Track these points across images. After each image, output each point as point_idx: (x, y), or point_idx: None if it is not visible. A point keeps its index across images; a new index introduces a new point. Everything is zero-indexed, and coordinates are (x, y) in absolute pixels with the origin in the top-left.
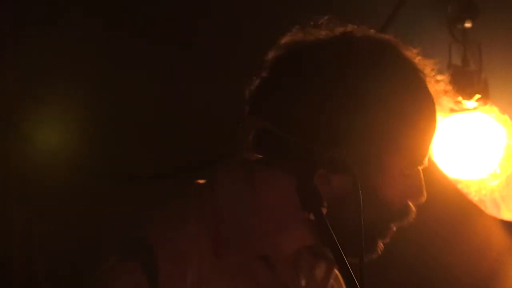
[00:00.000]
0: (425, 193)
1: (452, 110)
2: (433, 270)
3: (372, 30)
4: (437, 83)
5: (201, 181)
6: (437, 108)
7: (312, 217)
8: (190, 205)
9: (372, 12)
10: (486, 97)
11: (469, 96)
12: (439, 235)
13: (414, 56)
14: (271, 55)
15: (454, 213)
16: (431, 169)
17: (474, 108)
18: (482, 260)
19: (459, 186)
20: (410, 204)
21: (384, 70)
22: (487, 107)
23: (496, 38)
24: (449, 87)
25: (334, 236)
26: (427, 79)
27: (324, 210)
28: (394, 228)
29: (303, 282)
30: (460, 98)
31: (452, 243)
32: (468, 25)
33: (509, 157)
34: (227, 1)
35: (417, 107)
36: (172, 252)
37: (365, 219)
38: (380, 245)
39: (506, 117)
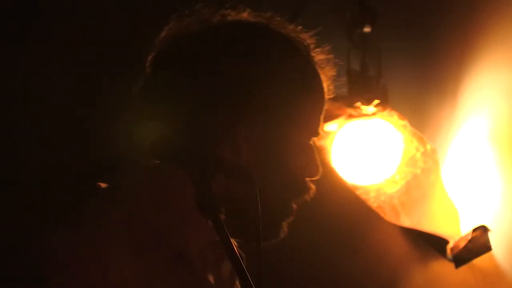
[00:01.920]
0: (321, 169)
1: (350, 116)
2: (333, 277)
3: (247, 12)
4: (320, 53)
5: (104, 185)
6: (322, 76)
7: (210, 223)
8: (101, 209)
9: None
10: (385, 102)
11: (368, 102)
12: (338, 241)
13: (293, 31)
14: (150, 54)
15: (353, 219)
16: (330, 175)
17: (373, 114)
18: (382, 266)
19: (358, 192)
20: (307, 180)
21: (259, 53)
22: (386, 112)
23: (395, 43)
24: (331, 57)
25: (232, 242)
26: (309, 50)
27: (222, 216)
28: (295, 206)
29: (210, 278)
30: (359, 104)
31: (352, 250)
32: (367, 29)
33: (408, 163)
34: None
35: (300, 78)
36: (83, 256)
37: (266, 204)
38: (284, 227)
39: (405, 122)
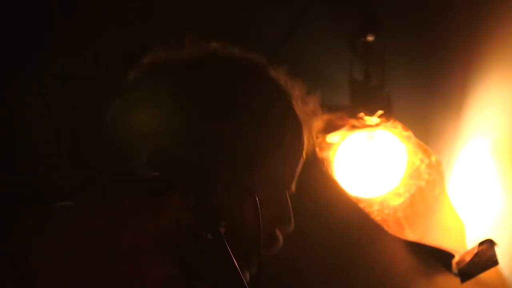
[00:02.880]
0: (293, 221)
1: (353, 127)
2: None
3: (236, 50)
4: (305, 105)
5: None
6: (304, 129)
7: (210, 236)
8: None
9: (270, 29)
10: (388, 113)
11: (371, 113)
12: (341, 255)
13: (281, 77)
14: (131, 75)
15: (356, 232)
16: (332, 187)
17: (377, 125)
18: (386, 281)
19: (361, 204)
20: (278, 232)
21: (246, 93)
22: (390, 123)
23: (399, 52)
24: (319, 108)
25: (232, 256)
26: (294, 101)
27: (222, 229)
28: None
29: None
30: (362, 114)
31: (355, 264)
32: (370, 38)
33: (412, 175)
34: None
35: (282, 129)
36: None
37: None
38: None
39: (409, 133)
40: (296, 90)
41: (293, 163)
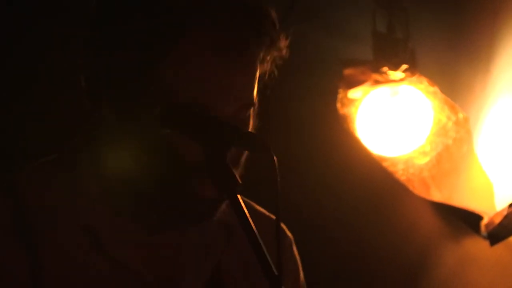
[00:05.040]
0: None
1: (376, 82)
2: (360, 253)
3: None
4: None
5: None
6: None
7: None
8: None
9: None
10: (413, 67)
11: (395, 67)
12: (364, 217)
13: None
14: None
15: (380, 193)
16: (355, 146)
17: (401, 80)
18: (411, 243)
19: (385, 164)
20: None
21: None
22: (415, 78)
23: (423, 2)
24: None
25: (248, 216)
26: None
27: (238, 189)
28: None
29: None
30: (385, 69)
31: (379, 225)
32: None
33: (439, 132)
34: None
35: None
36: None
37: None
38: None
39: (435, 89)
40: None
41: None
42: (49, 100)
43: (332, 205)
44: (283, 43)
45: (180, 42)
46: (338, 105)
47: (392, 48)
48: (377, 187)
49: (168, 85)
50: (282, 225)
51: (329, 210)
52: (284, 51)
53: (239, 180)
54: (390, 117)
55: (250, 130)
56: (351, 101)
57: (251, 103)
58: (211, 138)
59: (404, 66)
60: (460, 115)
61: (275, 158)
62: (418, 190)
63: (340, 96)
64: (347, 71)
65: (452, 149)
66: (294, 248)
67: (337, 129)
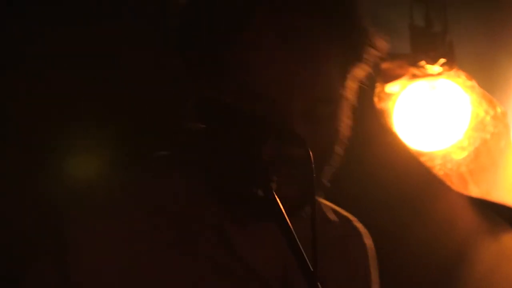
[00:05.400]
0: None
1: (414, 76)
2: (395, 248)
3: None
4: None
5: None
6: None
7: (260, 193)
8: None
9: None
10: (451, 61)
11: (433, 61)
12: (401, 212)
13: None
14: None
15: (417, 188)
16: (392, 141)
17: (439, 74)
18: (448, 239)
19: (422, 159)
20: None
21: None
22: (453, 72)
23: None
24: None
25: (283, 211)
26: None
27: (274, 186)
28: None
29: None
30: (423, 63)
31: (415, 220)
32: None
33: (477, 127)
34: None
35: None
36: None
37: None
38: None
39: (473, 83)
40: None
41: None
42: None
43: (368, 201)
44: (371, 42)
45: (250, 24)
46: (375, 99)
47: (429, 42)
48: (415, 182)
49: (237, 70)
50: (363, 229)
51: (365, 205)
52: (375, 51)
53: (274, 176)
54: (427, 112)
55: (331, 128)
56: (389, 95)
57: (329, 99)
58: (244, 133)
59: (442, 60)
60: (498, 110)
61: (310, 152)
62: (455, 185)
63: (377, 90)
64: (385, 65)
65: (490, 144)
66: None
67: (374, 124)
